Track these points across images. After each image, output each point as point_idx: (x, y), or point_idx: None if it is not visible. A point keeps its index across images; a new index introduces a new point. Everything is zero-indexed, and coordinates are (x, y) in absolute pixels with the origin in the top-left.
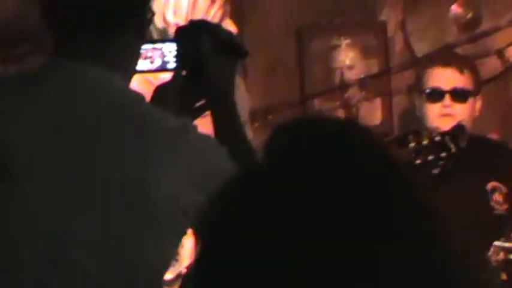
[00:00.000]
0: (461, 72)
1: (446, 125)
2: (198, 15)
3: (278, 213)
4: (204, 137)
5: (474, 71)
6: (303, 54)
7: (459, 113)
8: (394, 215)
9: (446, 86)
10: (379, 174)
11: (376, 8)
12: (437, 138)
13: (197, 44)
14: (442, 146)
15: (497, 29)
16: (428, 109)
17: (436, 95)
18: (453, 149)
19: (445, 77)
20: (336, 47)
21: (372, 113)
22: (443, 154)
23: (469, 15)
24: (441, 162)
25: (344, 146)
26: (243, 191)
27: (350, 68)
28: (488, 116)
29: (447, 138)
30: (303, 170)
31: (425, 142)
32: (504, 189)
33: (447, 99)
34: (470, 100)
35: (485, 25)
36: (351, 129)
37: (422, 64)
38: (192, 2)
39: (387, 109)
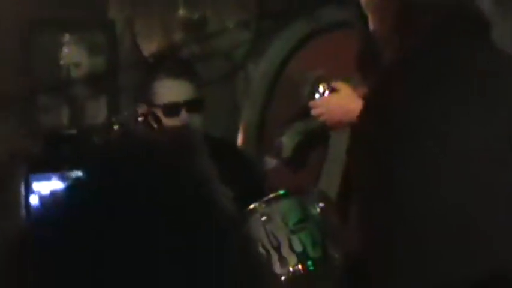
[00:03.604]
0: (191, 81)
1: None
2: None
3: None
4: None
5: (196, 77)
6: (28, 50)
7: (196, 122)
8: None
9: (180, 98)
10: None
11: (104, 5)
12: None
13: None
14: None
15: (223, 31)
16: (165, 122)
17: (173, 109)
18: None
19: (178, 90)
20: (63, 44)
21: (98, 111)
22: None
23: (196, 17)
24: None
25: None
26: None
27: (76, 65)
28: (214, 117)
29: None
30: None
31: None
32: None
33: (183, 112)
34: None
35: (212, 27)
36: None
37: (148, 71)
38: None
39: (113, 107)
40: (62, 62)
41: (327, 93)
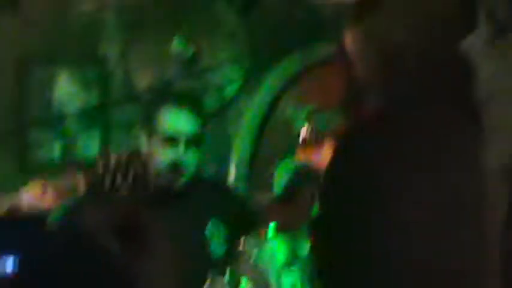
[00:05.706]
0: (193, 113)
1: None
2: None
3: None
4: None
5: (201, 109)
6: (22, 84)
7: (191, 158)
8: None
9: (182, 130)
10: None
11: (97, 40)
12: (123, 161)
13: None
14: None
15: (216, 66)
16: (160, 152)
17: (173, 141)
18: (139, 171)
19: (179, 121)
20: (55, 78)
21: (90, 145)
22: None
23: (190, 52)
24: (129, 183)
25: None
26: None
27: (69, 99)
28: (207, 151)
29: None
30: None
31: (112, 164)
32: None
33: (181, 146)
34: None
35: (205, 61)
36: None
37: (146, 101)
38: None
39: (104, 142)
40: (55, 97)
41: (307, 132)
